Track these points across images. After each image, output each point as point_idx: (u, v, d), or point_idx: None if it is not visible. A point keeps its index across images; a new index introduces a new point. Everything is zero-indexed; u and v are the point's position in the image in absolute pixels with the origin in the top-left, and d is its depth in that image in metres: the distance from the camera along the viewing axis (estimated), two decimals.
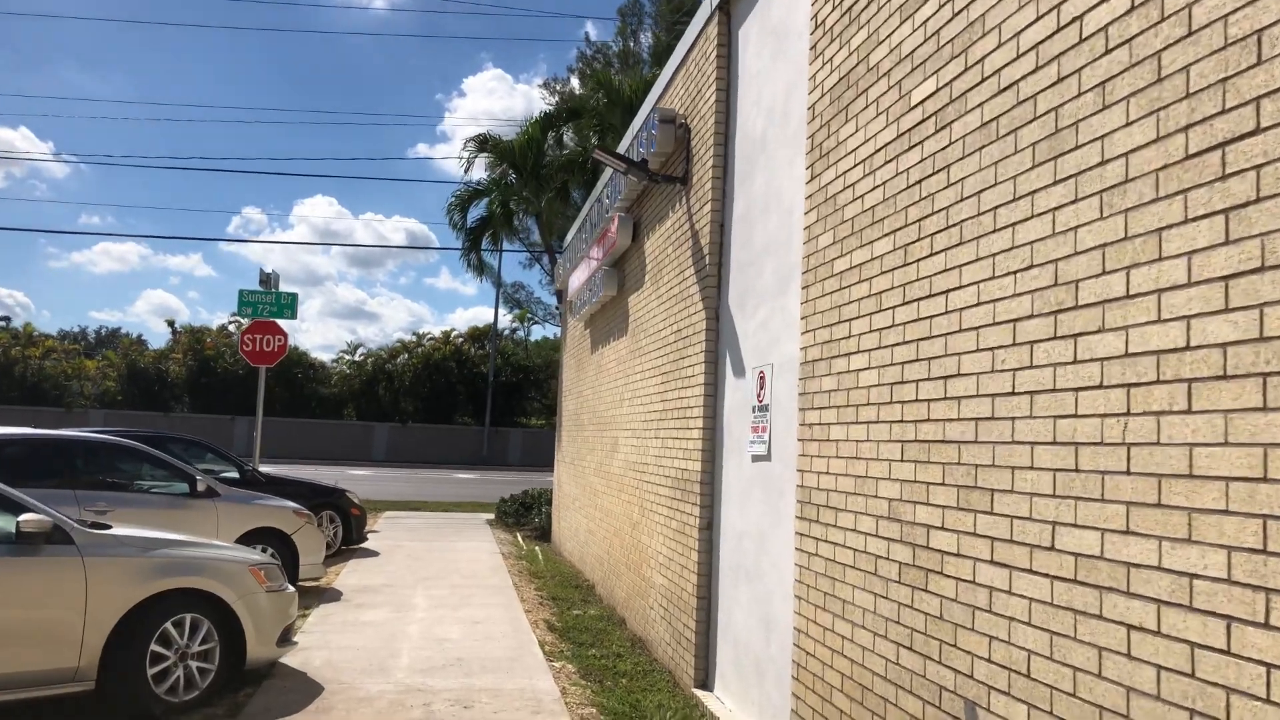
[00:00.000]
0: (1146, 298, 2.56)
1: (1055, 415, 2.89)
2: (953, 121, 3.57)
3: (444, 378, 42.08)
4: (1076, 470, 2.79)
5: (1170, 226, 2.49)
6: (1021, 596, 3.01)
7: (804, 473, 4.80)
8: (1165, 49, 2.55)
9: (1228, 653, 2.24)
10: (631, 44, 32.28)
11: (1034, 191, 3.06)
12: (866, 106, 4.32)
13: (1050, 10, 3.03)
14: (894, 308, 3.95)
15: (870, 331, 4.15)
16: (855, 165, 4.40)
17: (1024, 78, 3.14)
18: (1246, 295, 2.25)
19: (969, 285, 3.40)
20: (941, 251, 3.59)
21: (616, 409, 9.74)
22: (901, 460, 3.82)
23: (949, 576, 3.43)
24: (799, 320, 5.01)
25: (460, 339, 43.94)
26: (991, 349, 3.24)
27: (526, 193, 19.58)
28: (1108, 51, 2.77)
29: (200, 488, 8.83)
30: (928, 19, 3.80)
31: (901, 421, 3.84)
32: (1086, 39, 2.86)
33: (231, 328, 40.58)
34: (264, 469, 13.11)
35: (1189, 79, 2.46)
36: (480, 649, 7.43)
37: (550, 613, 9.09)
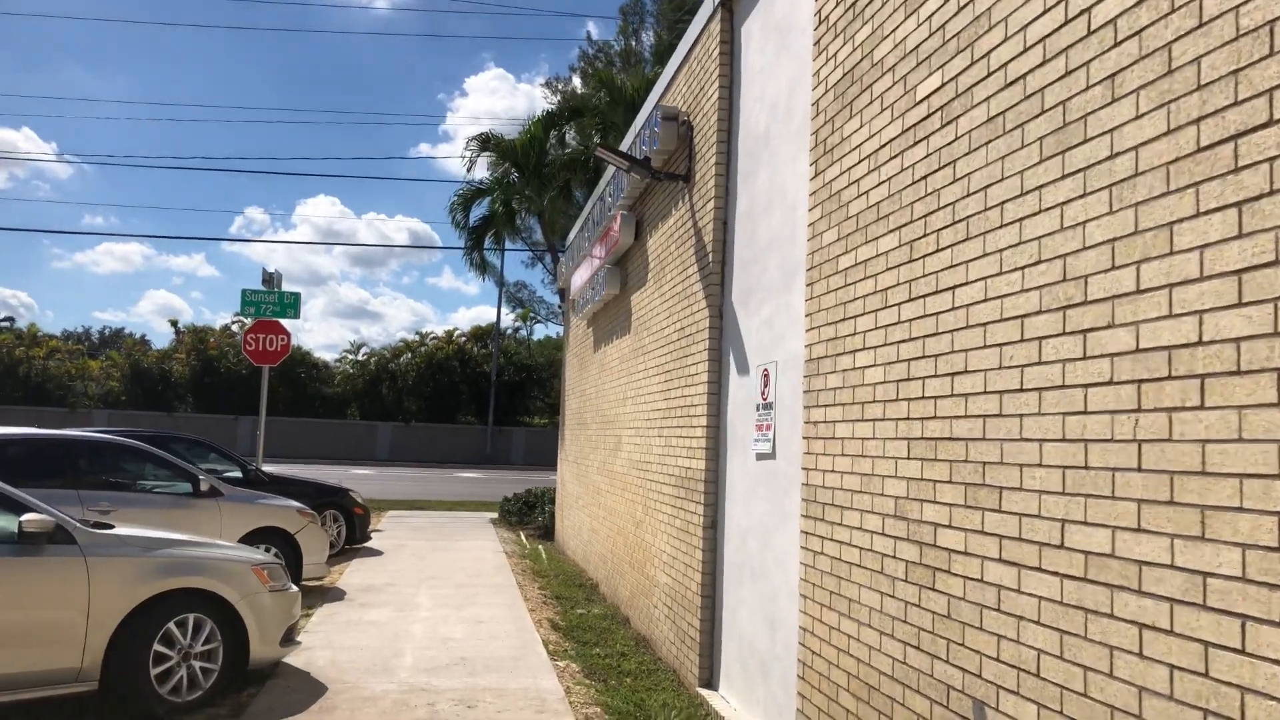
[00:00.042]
0: (1158, 292, 2.53)
1: (1064, 412, 2.87)
2: (959, 116, 3.54)
3: (447, 377, 42.09)
4: (1086, 467, 2.76)
5: (1182, 220, 2.46)
6: (1031, 595, 2.98)
7: (809, 470, 4.77)
8: (1176, 40, 2.52)
9: (1243, 652, 2.21)
10: (633, 43, 32.28)
11: (1042, 186, 3.03)
12: (871, 102, 4.29)
13: (1058, 3, 3.00)
14: (900, 304, 3.92)
15: (876, 328, 4.13)
16: (860, 161, 4.37)
17: (1031, 71, 3.11)
18: (1260, 289, 2.22)
19: (976, 281, 3.37)
20: (948, 247, 3.56)
21: (620, 407, 9.72)
22: (908, 458, 3.79)
23: (957, 575, 3.40)
24: (803, 317, 4.98)
25: (463, 338, 43.95)
26: (999, 345, 3.21)
27: (529, 191, 19.56)
28: (1117, 44, 2.74)
29: (203, 487, 8.82)
30: (933, 13, 3.77)
31: (908, 419, 3.81)
32: (1095, 31, 2.83)
33: (235, 328, 40.61)
34: (267, 468, 13.11)
35: (1200, 71, 2.43)
36: (484, 648, 7.42)
37: (554, 612, 9.07)
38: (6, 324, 51.22)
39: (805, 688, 4.72)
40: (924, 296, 3.72)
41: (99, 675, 5.30)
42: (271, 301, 14.95)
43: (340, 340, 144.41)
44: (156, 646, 5.47)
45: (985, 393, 3.28)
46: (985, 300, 3.30)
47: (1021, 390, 3.08)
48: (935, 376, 3.61)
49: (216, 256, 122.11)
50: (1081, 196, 2.84)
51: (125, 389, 40.53)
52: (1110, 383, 2.68)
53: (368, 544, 13.25)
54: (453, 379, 42.18)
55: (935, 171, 3.69)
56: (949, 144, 3.60)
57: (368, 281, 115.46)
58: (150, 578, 5.52)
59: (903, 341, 3.88)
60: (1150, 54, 2.60)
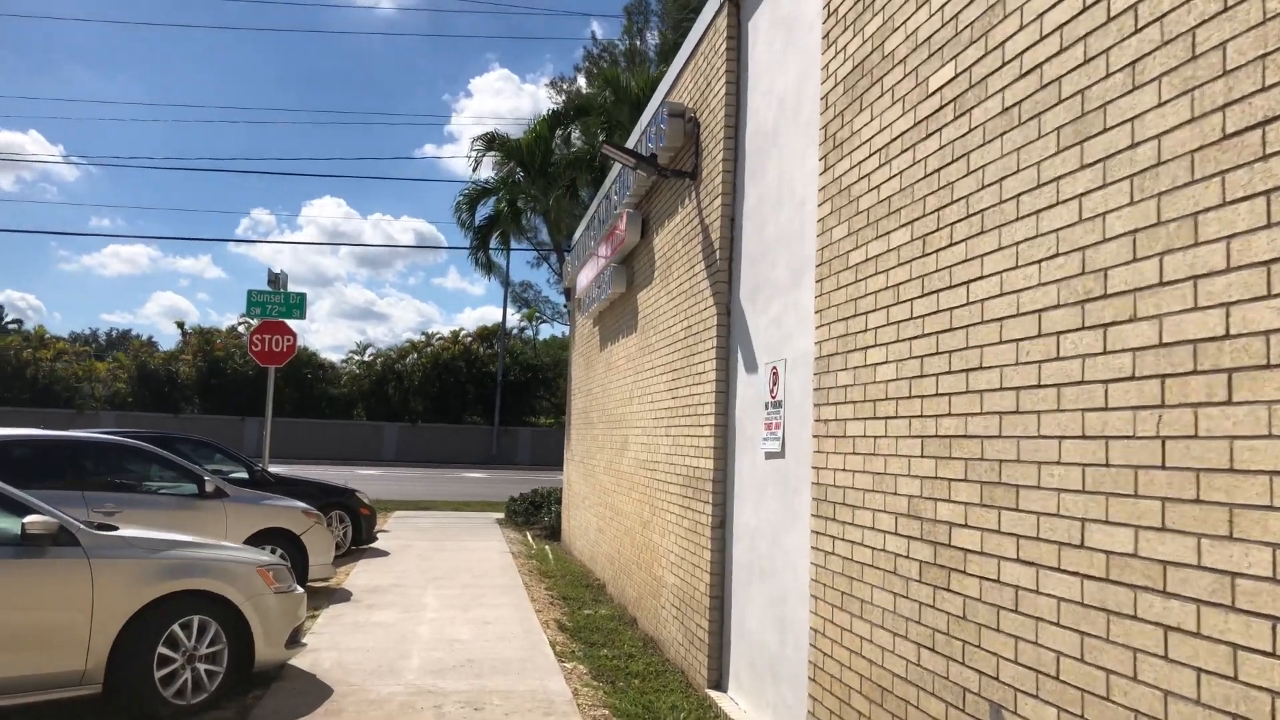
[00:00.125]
0: (1182, 284, 2.45)
1: (1084, 408, 2.79)
2: (973, 108, 3.47)
3: (453, 377, 42.08)
4: (1107, 465, 2.69)
5: (1207, 210, 2.39)
6: (1050, 596, 2.91)
7: (820, 469, 4.71)
8: (1199, 25, 2.45)
9: (1273, 655, 2.14)
10: (638, 42, 32.15)
11: (1059, 177, 2.96)
12: (882, 95, 4.22)
13: None
14: (912, 300, 3.85)
15: (887, 324, 4.06)
16: (870, 155, 4.30)
17: (1048, 60, 3.04)
18: None
19: (991, 275, 3.30)
20: (962, 241, 3.49)
21: (626, 407, 9.66)
22: (921, 456, 3.72)
23: (972, 575, 3.33)
24: (813, 314, 4.91)
25: (469, 338, 43.94)
26: (1016, 341, 3.14)
27: (534, 191, 19.52)
28: (1138, 30, 2.67)
29: (209, 488, 8.79)
30: (945, 3, 3.70)
31: (921, 416, 3.74)
32: (1115, 18, 2.76)
33: (241, 329, 40.66)
34: (273, 469, 13.08)
35: (1226, 56, 2.36)
36: (491, 650, 7.36)
37: (561, 612, 9.01)
38: (14, 326, 51.42)
39: (816, 690, 4.65)
40: (937, 291, 3.65)
41: (103, 678, 5.25)
42: (277, 302, 14.93)
43: (346, 341, 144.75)
44: (161, 649, 5.42)
45: (1001, 389, 3.21)
46: (1001, 295, 3.24)
47: (1039, 386, 3.01)
48: (949, 373, 3.54)
49: (223, 258, 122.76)
50: (1101, 187, 2.77)
51: (132, 390, 40.60)
52: (1132, 378, 2.61)
53: (374, 544, 13.21)
54: (459, 379, 42.17)
55: (948, 164, 3.62)
56: (962, 136, 3.53)
57: (374, 282, 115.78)
58: (154, 579, 5.47)
59: (915, 337, 3.81)
60: (1173, 40, 2.53)
